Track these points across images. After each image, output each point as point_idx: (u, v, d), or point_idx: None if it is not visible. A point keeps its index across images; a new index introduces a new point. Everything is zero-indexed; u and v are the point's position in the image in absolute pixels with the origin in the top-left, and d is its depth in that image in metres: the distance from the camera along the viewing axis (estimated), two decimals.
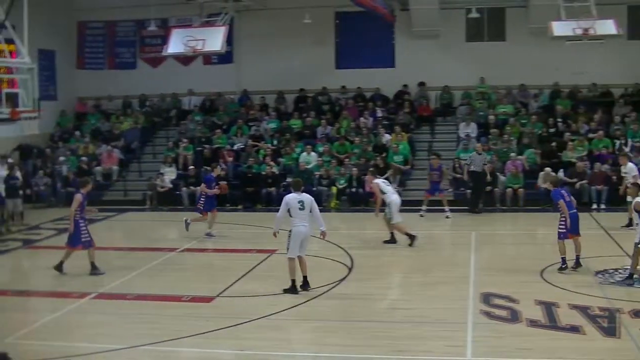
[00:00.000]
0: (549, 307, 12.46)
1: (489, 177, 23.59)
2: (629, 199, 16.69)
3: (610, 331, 11.34)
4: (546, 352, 10.61)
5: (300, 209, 13.64)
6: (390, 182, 20.86)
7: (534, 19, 26.33)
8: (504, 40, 28.54)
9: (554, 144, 25.45)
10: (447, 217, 22.10)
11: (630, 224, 18.09)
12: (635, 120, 25.92)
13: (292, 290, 13.69)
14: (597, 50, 24.84)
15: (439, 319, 12.23)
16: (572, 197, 15.79)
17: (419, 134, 28.10)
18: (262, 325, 12.06)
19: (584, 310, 12.29)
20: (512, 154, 24.66)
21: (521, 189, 23.76)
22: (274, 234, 13.98)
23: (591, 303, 12.66)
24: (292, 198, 13.77)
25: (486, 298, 13.15)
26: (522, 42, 27.72)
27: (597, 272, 14.91)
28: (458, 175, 24.34)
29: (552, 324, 11.76)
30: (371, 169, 20.72)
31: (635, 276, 14.07)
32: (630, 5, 26.89)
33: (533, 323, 11.75)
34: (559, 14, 22.58)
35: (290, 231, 13.71)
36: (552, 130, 26.28)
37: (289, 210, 13.69)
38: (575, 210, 15.44)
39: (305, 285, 13.80)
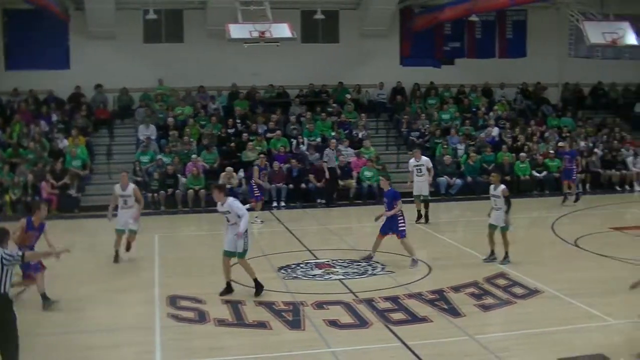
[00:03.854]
0: (235, 306, 12.50)
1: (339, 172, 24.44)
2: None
3: (296, 324, 11.63)
4: (236, 349, 10.65)
5: None
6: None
7: (212, 21, 26.55)
8: (182, 42, 28.47)
9: (233, 144, 25.82)
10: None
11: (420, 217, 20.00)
12: (311, 120, 27.15)
13: None
14: (273, 53, 25.58)
15: (126, 325, 11.79)
16: None
17: (97, 137, 27.16)
18: None
19: (269, 306, 12.49)
20: (193, 156, 24.65)
21: (202, 190, 23.80)
22: None
23: (276, 298, 12.92)
24: None
25: (173, 300, 12.90)
26: (201, 43, 27.85)
27: (280, 268, 15.26)
28: (139, 179, 23.84)
29: (240, 321, 11.82)
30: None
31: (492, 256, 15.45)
32: (304, 11, 28.13)
33: (221, 322, 11.72)
34: (236, 16, 22.90)
35: None
36: (231, 130, 26.65)
37: None
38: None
39: None
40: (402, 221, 15.52)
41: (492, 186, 15.68)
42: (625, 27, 23.88)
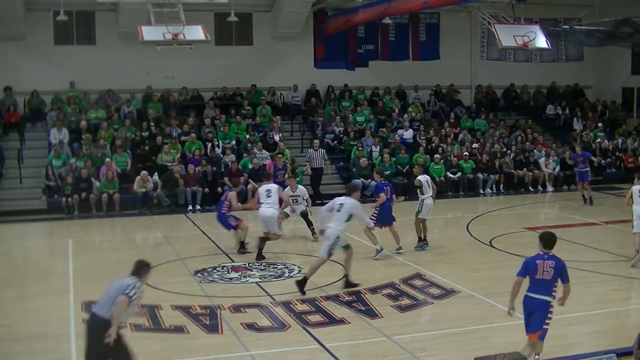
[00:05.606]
0: (152, 310, 12.35)
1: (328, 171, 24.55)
2: None
3: (213, 328, 11.61)
4: (152, 355, 10.52)
5: None
6: None
7: (124, 23, 26.15)
8: (94, 44, 27.94)
9: (147, 147, 25.55)
10: None
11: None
12: (225, 123, 27.05)
13: None
14: (187, 55, 25.41)
15: (39, 332, 11.57)
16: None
17: (7, 141, 26.42)
18: None
19: (186, 310, 12.44)
20: (107, 159, 24.28)
21: (117, 194, 23.49)
22: None
23: (193, 302, 12.86)
24: None
25: (88, 306, 12.62)
26: (113, 46, 27.43)
27: (197, 272, 15.20)
28: (51, 183, 23.41)
29: (157, 326, 11.72)
30: None
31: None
32: (217, 13, 27.93)
33: (137, 327, 11.54)
34: (148, 18, 22.66)
35: None
36: (145, 134, 26.35)
37: None
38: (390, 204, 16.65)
39: None
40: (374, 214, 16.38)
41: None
42: (535, 30, 24.48)
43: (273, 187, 17.17)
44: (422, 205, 16.89)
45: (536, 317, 9.21)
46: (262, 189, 17.18)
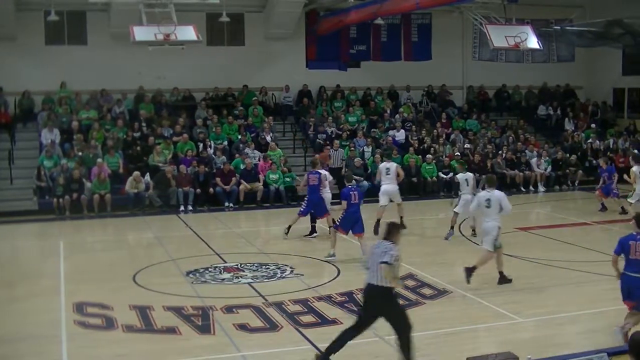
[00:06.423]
0: (143, 311, 12.36)
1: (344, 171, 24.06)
2: None
3: (205, 328, 11.58)
4: (144, 355, 10.55)
5: None
6: None
7: (116, 23, 26.05)
8: (85, 44, 27.85)
9: (139, 148, 25.51)
10: None
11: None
12: (217, 123, 27.02)
13: None
14: (178, 56, 25.36)
15: (31, 334, 11.49)
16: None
17: None
18: None
19: (178, 310, 12.39)
20: (99, 160, 24.21)
21: (108, 195, 23.44)
22: None
23: (185, 303, 12.82)
24: None
25: (79, 307, 12.68)
26: (104, 46, 27.32)
27: (189, 272, 15.16)
28: (43, 184, 23.35)
29: (149, 327, 11.69)
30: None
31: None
32: (209, 13, 27.85)
33: (129, 328, 11.57)
34: (140, 19, 22.61)
35: None
36: (137, 134, 26.31)
37: None
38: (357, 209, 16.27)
39: None
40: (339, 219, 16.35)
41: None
42: (527, 31, 24.53)
43: (392, 165, 19.66)
44: (459, 200, 18.14)
45: (635, 295, 10.08)
46: (383, 166, 19.89)
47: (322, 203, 18.47)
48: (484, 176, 18.00)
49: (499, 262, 13.98)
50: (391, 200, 19.39)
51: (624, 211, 21.38)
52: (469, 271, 13.53)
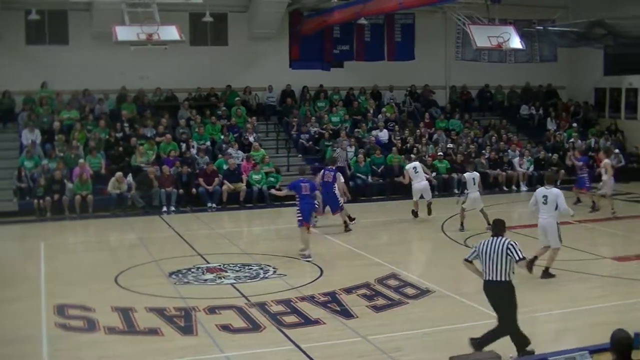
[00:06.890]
0: (126, 313, 12.29)
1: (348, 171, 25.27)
2: None
3: (188, 329, 11.53)
4: (127, 357, 10.51)
5: None
6: None
7: (98, 22, 25.90)
8: (67, 44, 27.66)
9: (121, 148, 25.38)
10: None
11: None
12: (200, 124, 26.93)
13: None
14: (161, 56, 25.22)
15: (12, 337, 11.36)
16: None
17: None
18: None
19: (160, 312, 12.33)
20: (81, 160, 24.07)
21: (90, 195, 23.28)
22: None
23: (167, 304, 12.76)
24: None
25: (60, 309, 12.58)
26: (86, 46, 27.14)
27: (171, 273, 15.09)
28: (23, 185, 23.19)
29: (131, 328, 11.63)
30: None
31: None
32: (192, 13, 27.77)
33: (111, 330, 11.50)
34: (122, 18, 22.48)
35: None
36: (119, 134, 26.16)
37: None
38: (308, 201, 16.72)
39: None
40: (298, 212, 16.48)
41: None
42: (510, 31, 24.57)
43: (418, 164, 21.36)
44: (467, 197, 19.27)
45: None
46: (410, 166, 21.44)
47: (335, 199, 19.55)
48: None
49: (550, 257, 14.43)
50: (422, 197, 20.92)
51: (594, 208, 22.07)
52: (530, 264, 13.70)
